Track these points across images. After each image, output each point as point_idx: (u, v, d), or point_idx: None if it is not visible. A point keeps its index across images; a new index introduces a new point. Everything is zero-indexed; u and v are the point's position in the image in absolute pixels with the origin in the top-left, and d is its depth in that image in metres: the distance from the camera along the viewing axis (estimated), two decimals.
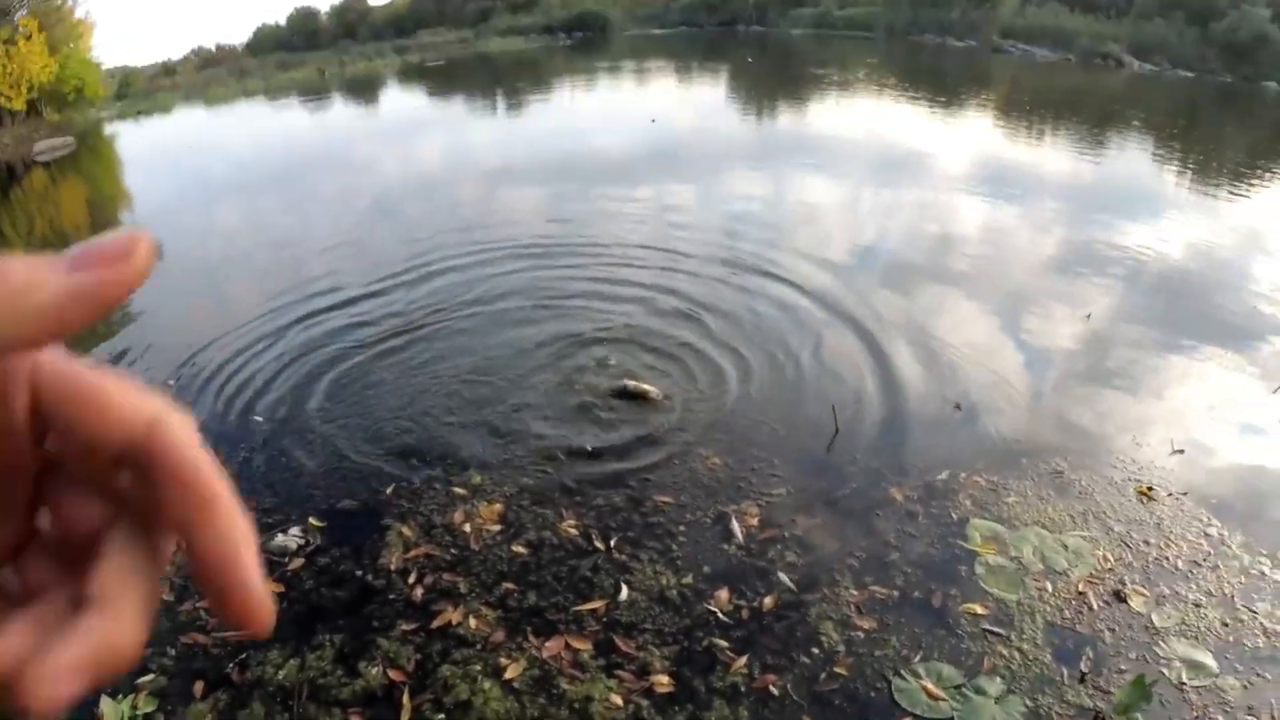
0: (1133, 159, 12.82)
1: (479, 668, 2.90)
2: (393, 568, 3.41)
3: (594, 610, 3.16)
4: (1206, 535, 3.71)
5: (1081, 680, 2.90)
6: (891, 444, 4.38)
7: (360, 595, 3.30)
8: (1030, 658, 3.00)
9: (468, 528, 3.64)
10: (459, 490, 3.93)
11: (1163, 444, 4.40)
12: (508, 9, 40.78)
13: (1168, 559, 3.55)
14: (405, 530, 3.63)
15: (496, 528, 3.65)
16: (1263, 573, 3.45)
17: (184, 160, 14.78)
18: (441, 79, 24.19)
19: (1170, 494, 3.99)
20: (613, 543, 3.54)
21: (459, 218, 8.59)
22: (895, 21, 35.05)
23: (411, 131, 15.42)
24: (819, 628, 3.10)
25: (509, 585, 3.30)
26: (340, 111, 20.26)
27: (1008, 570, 3.45)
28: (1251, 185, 11.08)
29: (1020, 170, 11.21)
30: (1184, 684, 2.86)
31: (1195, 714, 2.76)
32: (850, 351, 5.34)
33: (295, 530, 3.68)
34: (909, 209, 8.98)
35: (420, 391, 4.98)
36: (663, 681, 2.83)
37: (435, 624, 3.11)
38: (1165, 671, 2.89)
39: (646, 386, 4.68)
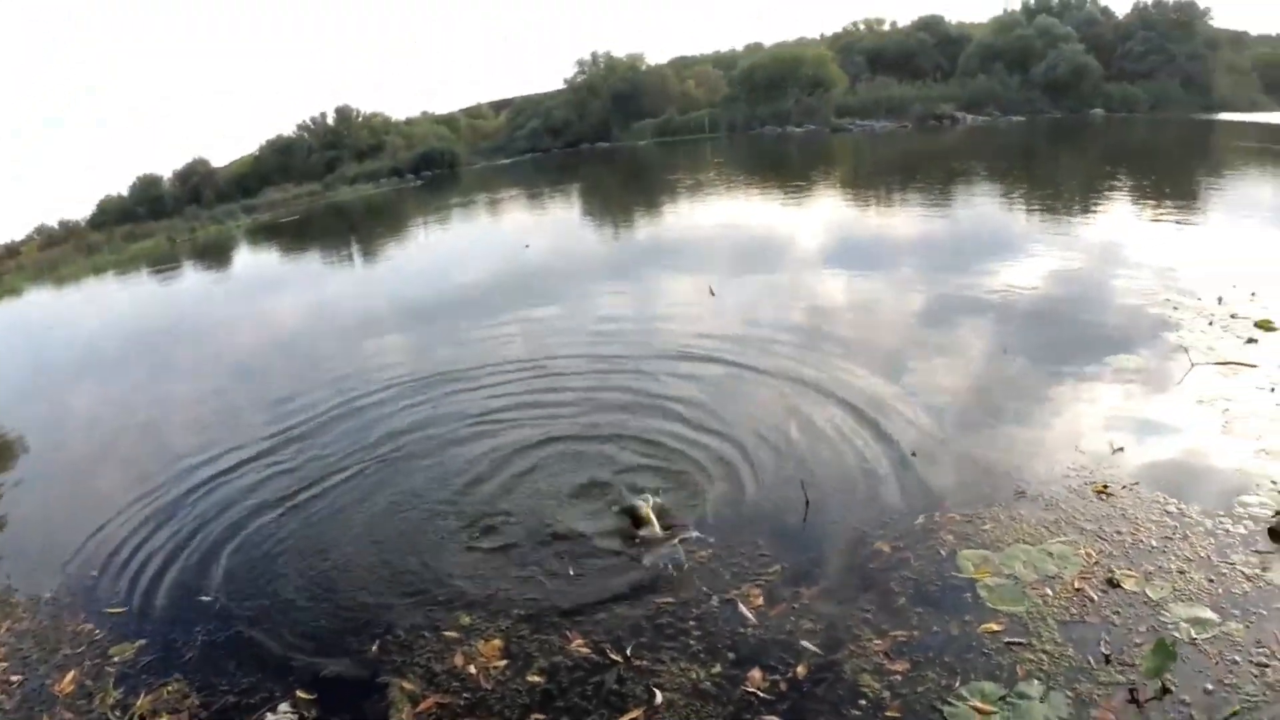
0: (982, 206, 14.93)
1: None
2: None
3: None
4: (1167, 512, 4.46)
5: (1107, 661, 3.44)
6: (860, 502, 4.96)
7: None
8: (1056, 656, 3.51)
9: (472, 669, 3.82)
10: (450, 633, 4.11)
11: (1102, 447, 5.23)
12: (353, 157, 42.46)
13: (1142, 541, 4.25)
14: (407, 684, 3.75)
15: (502, 663, 3.84)
16: (1226, 529, 4.22)
17: (38, 343, 14.29)
18: (295, 234, 24.59)
19: (1124, 487, 4.77)
20: (629, 651, 3.81)
21: (327, 371, 8.80)
22: (735, 119, 39.17)
23: (270, 291, 15.62)
24: (857, 680, 3.49)
25: (537, 716, 3.49)
26: (194, 279, 20.17)
27: (1007, 587, 4.01)
28: (1096, 204, 13.16)
29: (880, 237, 12.89)
30: (1195, 639, 3.45)
31: (1214, 661, 3.35)
32: (788, 427, 5.98)
33: (285, 707, 3.74)
34: (784, 291, 10.02)
35: (367, 540, 5.13)
36: None
37: None
38: (1175, 634, 3.47)
39: (640, 505, 4.88)
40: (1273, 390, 5.67)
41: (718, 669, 3.66)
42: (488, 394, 7.34)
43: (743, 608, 4.06)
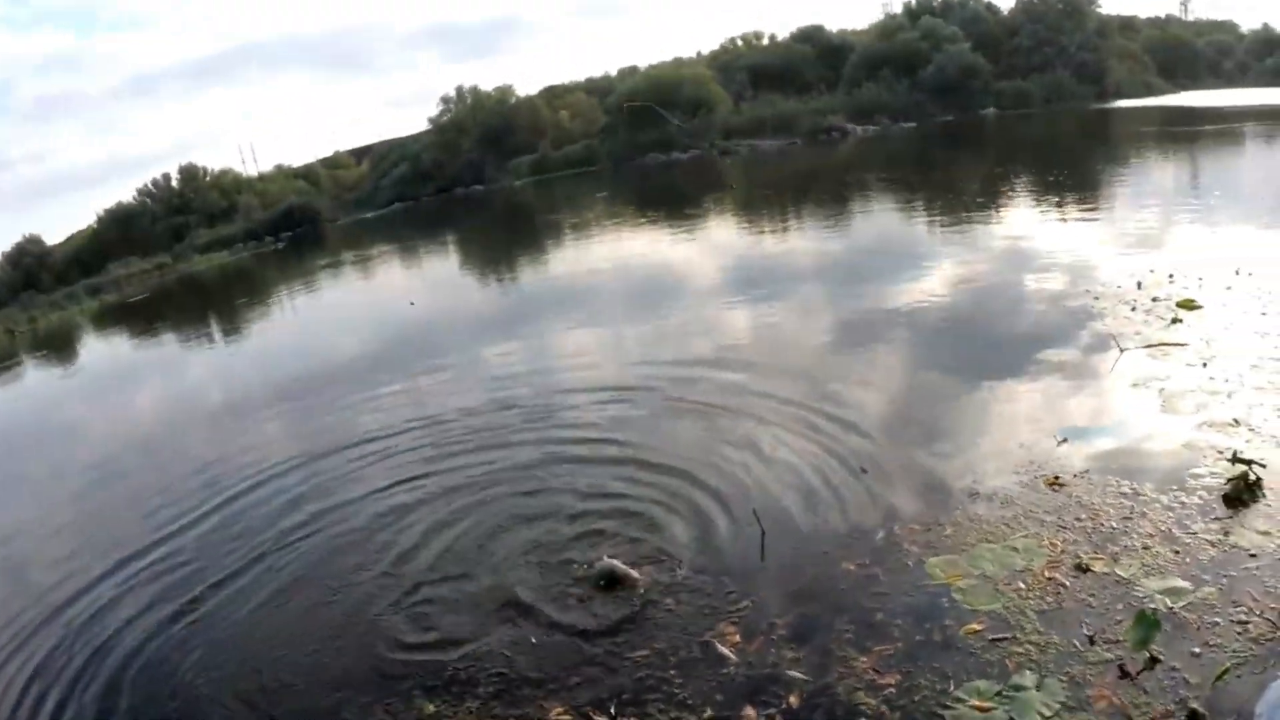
0: (881, 218, 15.84)
1: None
2: None
3: None
4: (1122, 494, 4.87)
5: (1091, 642, 3.72)
6: (817, 523, 5.18)
7: None
8: (1041, 645, 3.78)
9: None
10: None
11: (1047, 441, 5.65)
12: (203, 221, 40.98)
13: (1103, 525, 4.62)
14: None
15: None
16: (1182, 502, 4.65)
17: None
18: (147, 315, 23.40)
19: (1075, 475, 5.17)
20: (613, 711, 3.85)
21: (202, 463, 8.46)
22: (615, 150, 40.03)
23: (126, 383, 14.81)
24: (852, 700, 3.65)
25: None
26: (38, 376, 18.87)
27: (980, 587, 4.28)
28: (997, 205, 14.16)
29: (782, 261, 13.50)
30: (1172, 609, 3.77)
31: (1195, 626, 3.69)
32: (726, 459, 6.18)
33: None
34: (688, 326, 10.32)
35: (292, 641, 4.91)
36: None
37: None
38: (1153, 606, 3.78)
39: (627, 569, 4.86)
40: (1204, 365, 6.27)
41: (709, 713, 3.74)
42: (394, 463, 7.24)
43: (720, 648, 4.16)
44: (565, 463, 6.54)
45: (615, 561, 4.94)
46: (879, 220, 15.61)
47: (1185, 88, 38.94)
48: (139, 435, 10.51)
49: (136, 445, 10.03)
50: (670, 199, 25.37)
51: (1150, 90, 37.95)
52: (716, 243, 16.47)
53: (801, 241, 14.95)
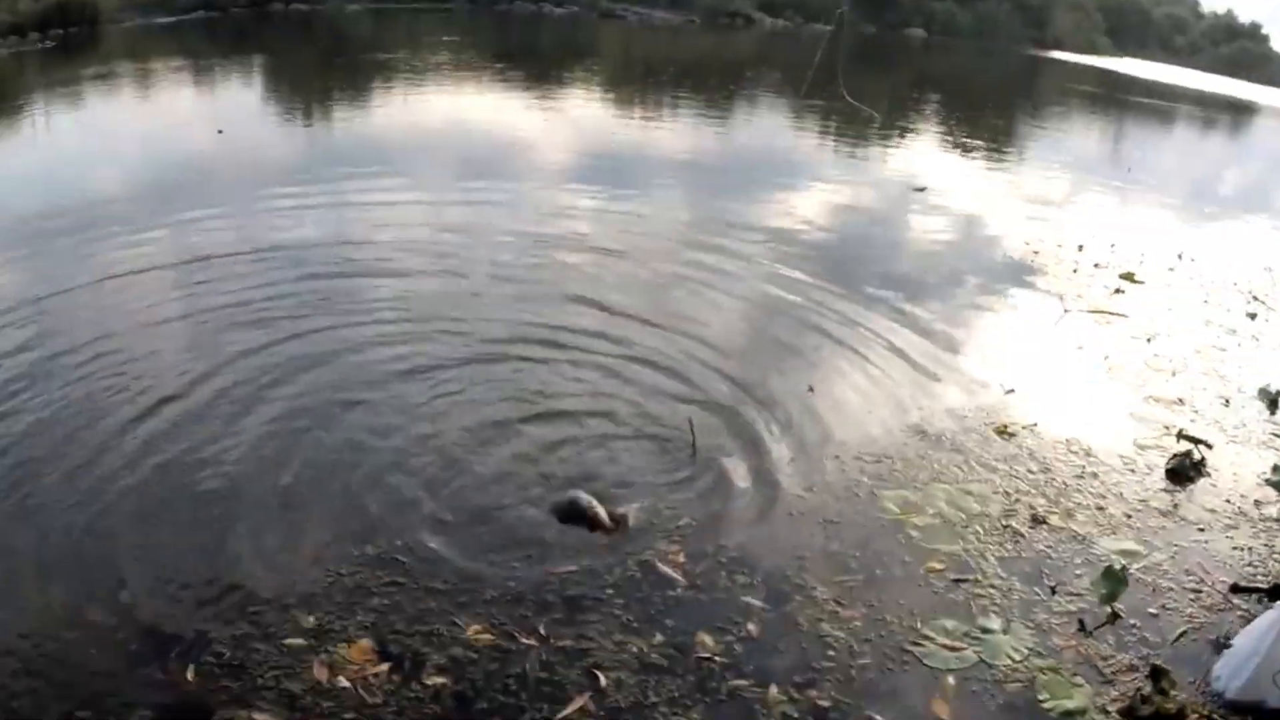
0: (782, 127, 16.22)
1: None
2: None
3: (582, 709, 3.53)
4: (1072, 452, 5.46)
5: (1053, 593, 4.21)
6: (753, 443, 5.48)
7: None
8: (1004, 590, 4.24)
9: (344, 681, 3.65)
10: (294, 641, 3.85)
11: (994, 388, 6.22)
12: None
13: (1055, 480, 5.17)
14: (260, 716, 3.47)
15: (384, 668, 3.72)
16: (1132, 468, 5.29)
17: None
18: None
19: (1024, 427, 5.73)
20: (542, 630, 3.93)
21: None
22: None
23: None
24: (817, 631, 3.96)
25: None
26: None
27: (937, 526, 4.72)
28: (917, 133, 14.83)
29: (663, 154, 13.58)
30: (1127, 569, 4.30)
31: (1150, 588, 4.28)
32: (633, 354, 6.45)
33: None
34: (545, 212, 10.24)
35: (105, 529, 4.52)
36: None
37: None
38: (1111, 564, 4.32)
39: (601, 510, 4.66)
40: (1148, 341, 7.06)
41: (659, 638, 3.90)
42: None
43: (664, 567, 4.34)
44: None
45: (586, 497, 4.73)
46: (773, 129, 15.91)
47: (1130, 55, 41.49)
48: None
49: None
50: (532, 59, 24.61)
51: (1094, 49, 40.11)
52: (576, 119, 16.26)
53: (693, 131, 15.00)
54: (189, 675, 3.67)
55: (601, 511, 4.65)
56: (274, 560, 4.39)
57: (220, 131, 14.32)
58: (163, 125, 16.22)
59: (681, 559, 4.42)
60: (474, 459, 5.20)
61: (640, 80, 21.40)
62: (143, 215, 9.49)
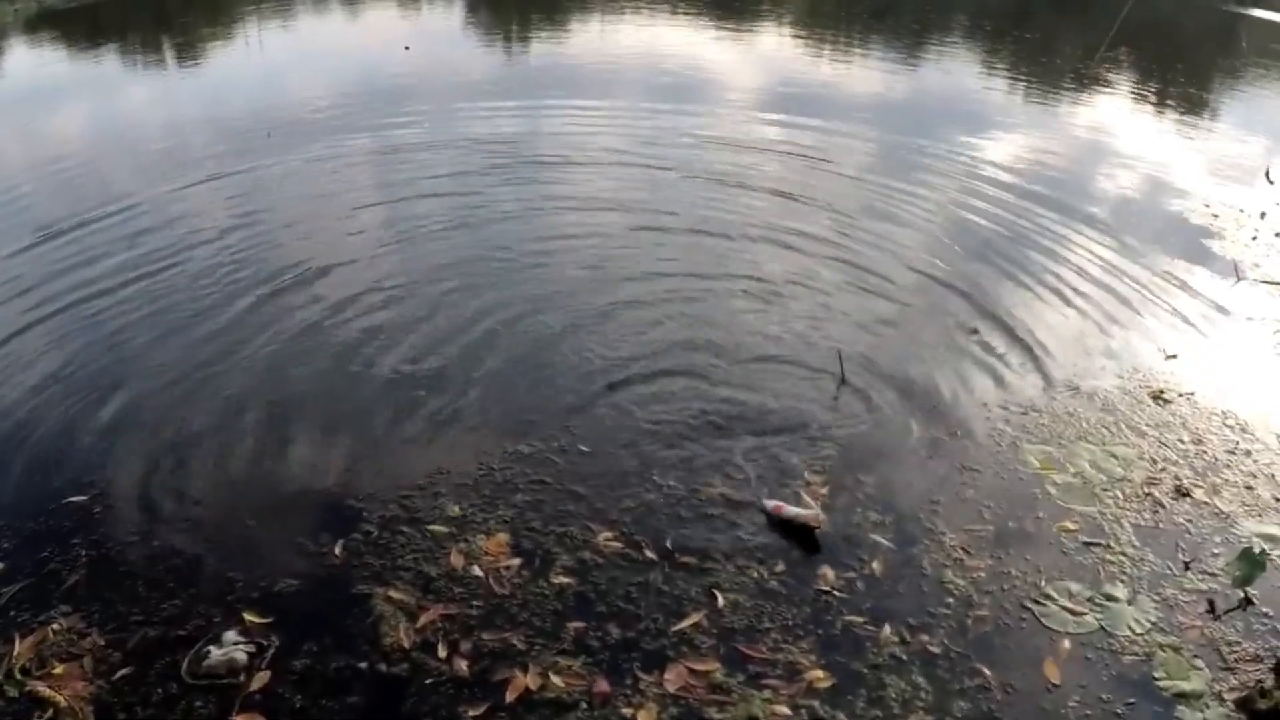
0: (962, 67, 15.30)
1: None
2: (407, 645, 3.55)
3: (697, 625, 3.70)
4: (1228, 425, 5.18)
5: (1186, 569, 4.10)
6: (905, 380, 5.49)
7: (386, 690, 3.36)
8: (1135, 560, 4.15)
9: (478, 570, 3.91)
10: (437, 528, 4.15)
11: (1154, 352, 5.93)
12: None
13: (1206, 452, 4.95)
14: (395, 594, 3.77)
15: (515, 562, 3.97)
16: None
17: None
18: (89, 26, 21.54)
19: (1180, 395, 5.46)
20: (669, 545, 4.10)
21: (120, 200, 8.13)
22: None
23: (50, 101, 12.85)
24: (940, 577, 4.01)
25: (576, 625, 3.67)
26: None
27: (1076, 486, 4.63)
28: (1111, 88, 13.72)
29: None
30: (1268, 554, 4.13)
31: None
32: (794, 290, 6.48)
33: (232, 636, 3.55)
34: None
35: (295, 407, 5.09)
36: (819, 677, 3.48)
37: (510, 697, 3.32)
38: (1249, 547, 4.15)
39: (803, 511, 4.29)
40: None
41: (781, 567, 4.02)
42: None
43: (806, 497, 4.43)
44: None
45: (806, 512, 4.29)
46: (958, 72, 15.04)
47: None
48: (55, 163, 9.16)
49: (50, 174, 8.87)
50: None
51: None
52: (763, 53, 15.78)
53: (878, 77, 14.33)
54: (337, 550, 4.05)
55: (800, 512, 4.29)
56: (437, 447, 4.76)
57: (407, 48, 14.68)
58: (358, 41, 16.69)
59: (824, 490, 4.52)
60: (640, 368, 5.49)
61: (827, 17, 20.42)
62: (342, 114, 10.26)
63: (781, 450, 4.81)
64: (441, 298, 6.20)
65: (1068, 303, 6.55)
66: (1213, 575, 4.07)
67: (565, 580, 3.89)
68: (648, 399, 5.20)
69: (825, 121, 10.59)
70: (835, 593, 3.90)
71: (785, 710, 3.34)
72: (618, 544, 4.11)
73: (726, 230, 7.45)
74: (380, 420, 4.98)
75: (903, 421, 5.10)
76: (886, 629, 3.72)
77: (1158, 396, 5.42)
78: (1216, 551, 4.22)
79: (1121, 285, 6.84)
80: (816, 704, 3.38)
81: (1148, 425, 5.15)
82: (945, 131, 10.50)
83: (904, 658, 3.60)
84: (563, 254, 6.91)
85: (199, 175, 8.41)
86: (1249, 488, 4.68)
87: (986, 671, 3.54)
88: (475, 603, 3.75)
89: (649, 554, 4.05)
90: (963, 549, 4.18)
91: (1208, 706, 3.43)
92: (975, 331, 5.97)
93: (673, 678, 3.44)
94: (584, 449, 4.75)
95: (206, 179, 8.28)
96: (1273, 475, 4.77)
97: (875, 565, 4.06)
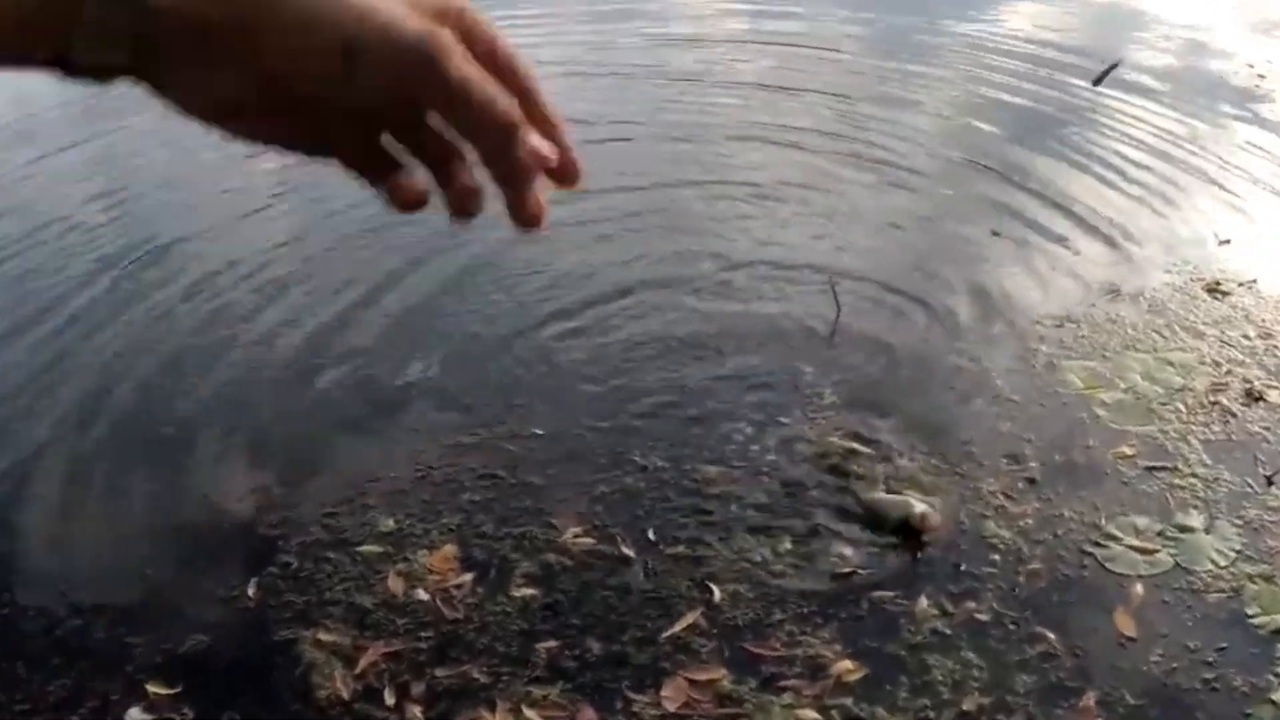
0: None
1: None
2: (346, 695, 3.40)
3: (693, 627, 3.56)
4: None
5: (1270, 484, 4.05)
6: (915, 300, 5.40)
7: None
8: (1208, 480, 4.09)
9: (423, 594, 3.72)
10: (369, 549, 3.93)
11: (1205, 238, 5.89)
12: None
13: (1277, 348, 4.91)
14: (326, 636, 3.58)
15: (467, 578, 3.78)
16: None
17: None
18: None
19: (1240, 284, 5.41)
20: (651, 535, 3.94)
21: None
22: None
23: None
24: (980, 531, 3.90)
25: (548, 645, 3.51)
26: None
27: (1129, 403, 4.56)
28: None
29: None
30: None
31: None
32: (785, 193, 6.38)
33: (136, 713, 3.39)
34: None
35: (174, 416, 4.81)
36: (848, 669, 3.38)
37: None
38: None
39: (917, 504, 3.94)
40: None
41: (787, 545, 3.88)
42: None
43: (802, 448, 4.35)
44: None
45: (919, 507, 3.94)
46: None
47: None
48: None
49: None
50: None
51: None
52: None
53: None
54: (251, 591, 3.81)
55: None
56: (358, 449, 4.53)
57: None
58: None
59: (813, 434, 4.44)
60: (597, 315, 5.33)
61: None
62: None
63: (774, 400, 4.71)
64: (343, 256, 5.95)
65: (1099, 191, 6.45)
66: None
67: (529, 592, 3.73)
68: (606, 354, 5.05)
69: (809, 6, 10.38)
70: (856, 569, 3.79)
71: (812, 714, 3.24)
72: (589, 540, 3.94)
73: (705, 135, 7.30)
74: (284, 423, 4.74)
75: (914, 349, 5.03)
76: (923, 601, 3.62)
77: (1214, 289, 5.36)
78: None
79: (1160, 164, 6.75)
80: (849, 701, 3.28)
81: (1205, 323, 5.09)
82: (955, 3, 10.32)
83: (947, 632, 3.51)
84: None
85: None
86: None
87: (1049, 635, 3.47)
88: (424, 634, 3.60)
89: (627, 549, 3.89)
90: (1004, 494, 4.08)
91: None
92: (997, 234, 5.90)
93: (672, 693, 3.32)
94: (538, 430, 4.53)
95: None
96: None
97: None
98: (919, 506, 3.91)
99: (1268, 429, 4.37)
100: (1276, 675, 3.33)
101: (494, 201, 0.75)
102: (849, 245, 5.87)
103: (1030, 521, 3.95)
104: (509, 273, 5.65)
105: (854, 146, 7.05)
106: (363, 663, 3.49)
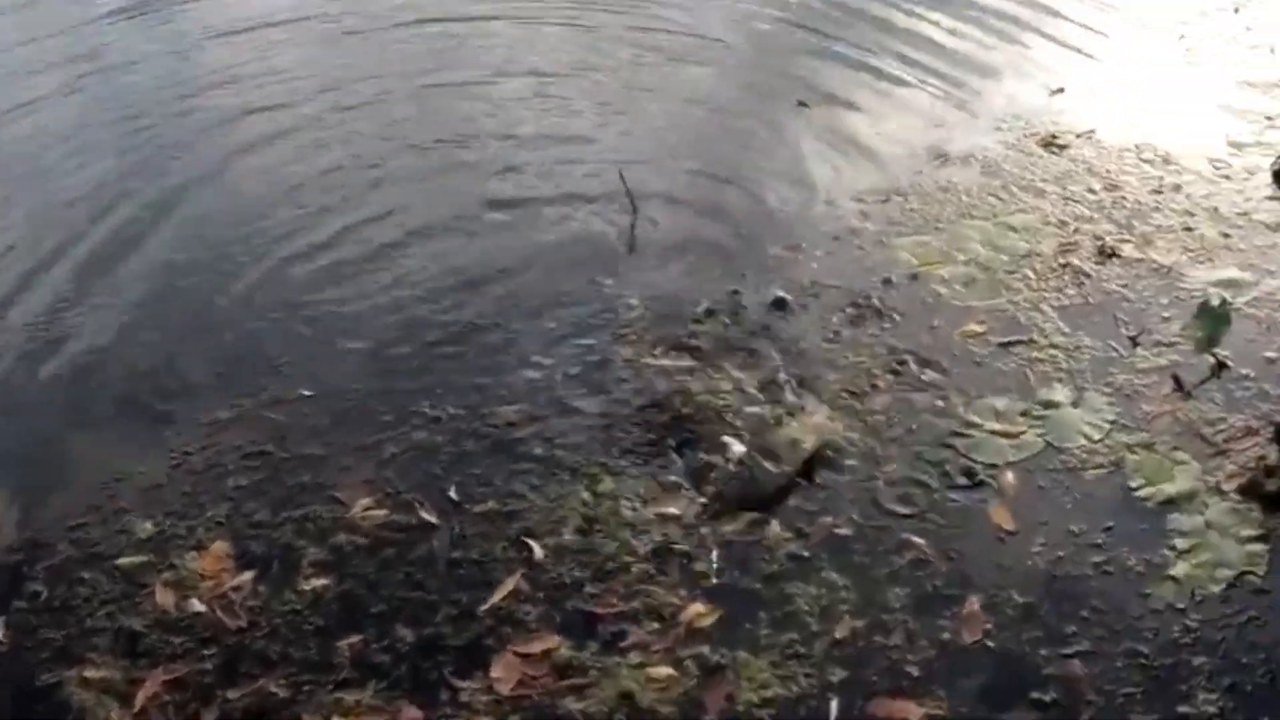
0: None
1: None
2: None
3: (515, 593, 3.30)
4: (1144, 160, 5.13)
5: (1135, 345, 3.96)
6: (718, 184, 5.20)
7: None
8: (1069, 350, 3.97)
9: (198, 604, 3.42)
10: (128, 560, 3.59)
11: (1035, 88, 5.83)
12: None
13: (1125, 198, 4.86)
14: (93, 672, 3.25)
15: (245, 578, 3.48)
16: (1225, 175, 4.97)
17: None
18: None
19: (1078, 135, 5.36)
20: (453, 495, 3.65)
21: None
22: None
23: None
24: (837, 447, 3.64)
25: (351, 641, 3.24)
26: None
27: (971, 276, 4.42)
28: None
29: None
30: (1230, 303, 3.99)
31: (1263, 324, 4.04)
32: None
33: None
34: None
35: None
36: (700, 613, 3.15)
37: None
38: (1206, 300, 4.00)
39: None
40: (1236, 11, 6.58)
41: (609, 484, 3.62)
42: None
43: (617, 364, 4.10)
44: None
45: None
46: None
47: None
48: None
49: None
50: None
51: None
52: None
53: None
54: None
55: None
56: (98, 442, 4.09)
57: None
58: None
59: (626, 354, 4.14)
60: (357, 241, 4.96)
61: None
62: None
63: (574, 320, 4.41)
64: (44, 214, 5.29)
65: (917, 48, 6.35)
66: (1169, 345, 3.96)
67: (320, 583, 3.41)
68: (370, 291, 4.63)
69: None
70: (692, 500, 3.55)
71: (666, 670, 3.00)
72: (382, 511, 3.63)
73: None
74: (6, 427, 4.24)
75: (720, 239, 4.82)
76: (774, 525, 3.40)
77: (1050, 143, 5.31)
78: (1167, 315, 4.12)
79: (980, 14, 6.70)
80: (705, 649, 3.05)
81: (1045, 180, 5.02)
82: None
83: (805, 555, 3.29)
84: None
85: None
86: (1188, 229, 4.60)
87: (918, 541, 3.29)
88: (206, 651, 3.25)
89: (427, 514, 3.59)
90: (846, 392, 3.86)
91: (1206, 506, 3.34)
92: (805, 104, 5.70)
93: (502, 673, 3.06)
94: (305, 392, 4.14)
95: None
96: (1214, 208, 4.72)
97: (735, 448, 3.69)
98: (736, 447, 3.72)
99: (1125, 286, 4.29)
100: (1172, 549, 3.24)
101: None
102: (642, 131, 5.61)
103: (880, 418, 3.75)
104: (235, 215, 5.20)
105: (639, 20, 6.79)
106: (140, 698, 3.15)
